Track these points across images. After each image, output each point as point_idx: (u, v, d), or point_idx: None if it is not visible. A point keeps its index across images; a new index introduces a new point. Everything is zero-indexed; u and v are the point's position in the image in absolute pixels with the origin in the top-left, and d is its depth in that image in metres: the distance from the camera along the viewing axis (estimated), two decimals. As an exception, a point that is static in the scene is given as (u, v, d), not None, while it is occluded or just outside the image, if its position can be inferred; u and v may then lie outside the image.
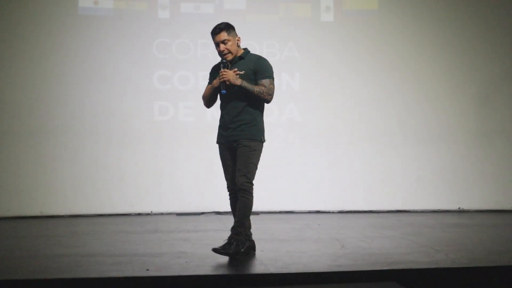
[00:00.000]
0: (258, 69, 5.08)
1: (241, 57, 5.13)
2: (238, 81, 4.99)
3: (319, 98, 8.45)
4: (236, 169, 5.07)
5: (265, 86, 5.04)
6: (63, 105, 8.00)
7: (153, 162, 8.13)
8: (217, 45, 5.10)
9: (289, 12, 8.43)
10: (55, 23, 7.98)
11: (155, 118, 8.20)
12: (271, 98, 5.13)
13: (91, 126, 8.04)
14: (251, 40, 8.33)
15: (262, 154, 8.19)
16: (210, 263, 4.77)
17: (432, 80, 8.56)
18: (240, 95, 5.04)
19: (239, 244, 4.95)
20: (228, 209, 8.10)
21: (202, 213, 8.08)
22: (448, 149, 8.54)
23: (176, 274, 4.41)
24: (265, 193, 8.27)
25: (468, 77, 8.58)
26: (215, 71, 5.18)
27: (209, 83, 5.21)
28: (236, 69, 5.04)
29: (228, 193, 5.23)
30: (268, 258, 4.94)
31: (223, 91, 5.04)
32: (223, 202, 8.09)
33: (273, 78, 5.12)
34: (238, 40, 5.16)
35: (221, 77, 4.99)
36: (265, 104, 5.21)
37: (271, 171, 8.30)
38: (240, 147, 5.05)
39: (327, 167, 8.39)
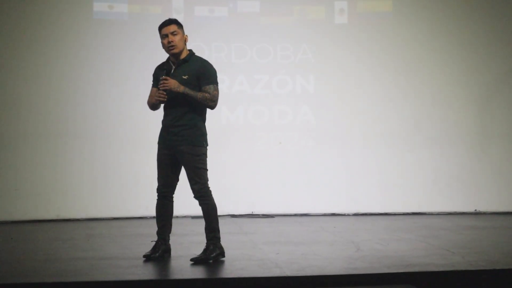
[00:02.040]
0: (202, 75, 4.98)
1: (184, 60, 5.03)
2: (180, 89, 4.89)
3: (333, 100, 8.43)
4: (188, 177, 5.03)
5: (208, 93, 4.95)
6: (79, 109, 8.04)
7: (168, 165, 8.14)
8: (164, 36, 5.00)
9: (303, 14, 8.43)
10: (70, 27, 8.03)
11: (170, 121, 8.21)
12: (215, 105, 5.03)
13: (106, 130, 8.07)
14: (265, 42, 8.33)
15: (278, 157, 8.29)
16: (226, 266, 4.77)
17: (448, 81, 8.52)
18: (182, 100, 4.93)
19: (215, 248, 4.94)
20: (244, 212, 8.15)
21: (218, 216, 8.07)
22: (464, 150, 8.49)
23: (192, 277, 4.42)
24: (280, 195, 8.27)
25: (481, 78, 8.53)
26: (158, 73, 5.09)
27: (153, 85, 5.13)
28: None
29: (157, 194, 5.17)
30: (283, 260, 4.94)
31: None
32: (238, 205, 8.19)
33: (217, 84, 5.03)
34: (186, 38, 5.08)
35: (162, 85, 4.91)
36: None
37: (286, 173, 8.31)
38: (184, 155, 4.98)
39: (342, 170, 8.37)
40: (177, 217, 8.06)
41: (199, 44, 8.20)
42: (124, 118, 8.11)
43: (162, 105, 5.12)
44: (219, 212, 8.16)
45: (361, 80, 8.44)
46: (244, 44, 8.29)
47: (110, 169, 8.05)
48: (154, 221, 7.44)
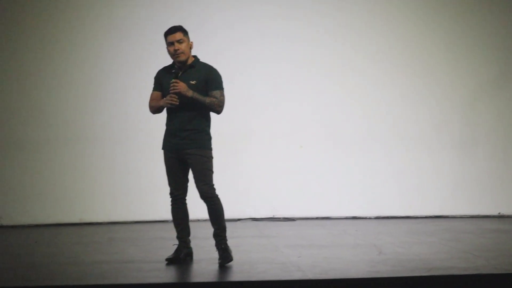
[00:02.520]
0: (209, 80, 5.03)
1: (191, 66, 5.07)
2: (190, 93, 4.93)
3: (354, 103, 8.37)
4: (196, 180, 5.05)
5: (216, 98, 5.00)
6: (101, 113, 8.08)
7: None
8: (170, 44, 5.03)
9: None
10: (91, 31, 8.07)
11: (191, 125, 8.23)
12: (222, 110, 5.09)
13: (127, 134, 8.10)
14: (284, 44, 8.30)
15: (299, 160, 8.28)
16: (247, 269, 4.77)
17: (468, 84, 8.44)
18: (190, 105, 4.97)
19: (227, 246, 5.04)
20: (266, 215, 8.15)
21: (239, 219, 8.10)
22: (488, 153, 8.41)
23: (213, 280, 4.43)
24: (301, 199, 8.25)
25: (505, 80, 8.45)
26: (163, 76, 5.12)
27: (155, 88, 5.16)
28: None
29: (170, 199, 5.21)
30: (305, 264, 4.93)
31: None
32: (259, 209, 8.18)
33: (223, 89, 5.08)
34: (191, 45, 5.11)
35: (172, 88, 4.94)
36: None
37: (306, 177, 8.28)
38: (193, 157, 5.01)
39: (363, 173, 8.32)
40: (198, 220, 8.10)
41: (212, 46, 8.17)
42: (144, 122, 8.11)
43: (164, 109, 5.15)
44: (240, 216, 8.22)
45: (380, 82, 8.37)
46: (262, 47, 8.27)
47: (131, 173, 8.08)
48: (176, 224, 7.40)
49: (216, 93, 5.02)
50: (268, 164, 8.23)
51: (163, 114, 5.26)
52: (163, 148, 5.21)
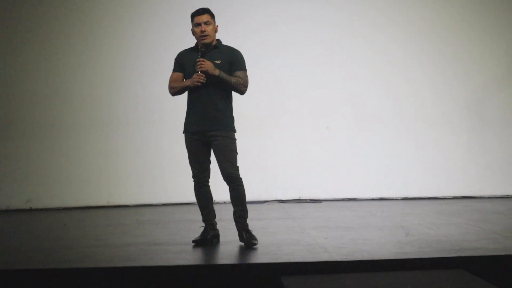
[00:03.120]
0: (234, 61, 5.03)
1: (216, 46, 5.06)
2: (216, 71, 4.93)
3: (378, 85, 8.31)
4: (221, 160, 5.04)
5: (241, 78, 5.01)
6: (127, 96, 8.12)
7: (216, 151, 8.18)
8: (197, 25, 5.01)
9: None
10: (118, 15, 8.10)
11: (217, 107, 8.24)
12: (246, 90, 5.08)
13: (154, 117, 8.14)
14: (308, 27, 8.25)
15: (325, 142, 8.27)
16: (274, 251, 4.78)
17: (495, 65, 8.32)
18: (215, 85, 4.97)
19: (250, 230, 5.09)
20: (291, 197, 8.15)
21: (265, 201, 8.11)
22: (516, 132, 8.31)
23: (240, 262, 4.44)
24: (328, 181, 8.23)
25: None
26: (186, 57, 5.09)
27: (175, 69, 5.13)
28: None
29: (194, 182, 5.20)
30: (332, 245, 4.93)
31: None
32: (286, 191, 8.18)
33: (246, 70, 5.08)
34: (217, 28, 5.10)
35: (198, 67, 4.93)
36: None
37: (333, 158, 8.26)
38: (219, 139, 5.02)
39: (390, 154, 8.27)
40: (224, 202, 8.13)
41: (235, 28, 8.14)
42: (172, 105, 8.11)
43: (185, 92, 5.13)
44: (266, 198, 8.24)
45: (406, 64, 8.29)
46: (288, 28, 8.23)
47: (159, 156, 8.12)
48: (203, 206, 7.40)
49: (240, 73, 5.02)
50: (294, 146, 8.22)
51: (184, 97, 5.24)
52: (185, 131, 5.18)
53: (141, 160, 8.11)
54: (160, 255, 4.75)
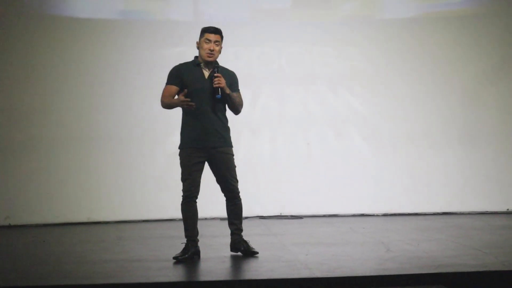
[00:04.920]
0: (232, 82, 5.20)
1: (215, 66, 5.16)
2: (227, 90, 5.09)
3: (359, 101, 8.36)
4: (224, 177, 5.20)
5: (240, 98, 5.22)
6: (108, 112, 8.09)
7: (197, 167, 8.16)
8: (207, 41, 5.10)
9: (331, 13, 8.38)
10: (98, 30, 8.09)
11: (198, 123, 8.24)
12: (241, 110, 5.30)
13: (135, 133, 8.12)
14: (297, 47, 8.29)
15: (306, 158, 8.30)
16: (255, 267, 4.77)
17: (475, 80, 8.41)
18: (218, 102, 5.10)
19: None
20: (273, 213, 8.14)
21: (246, 217, 8.08)
22: (494, 149, 8.37)
23: (221, 279, 4.43)
24: (308, 196, 8.24)
25: (508, 75, 8.43)
26: (185, 72, 5.13)
27: (171, 82, 5.15)
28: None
29: (184, 198, 5.17)
30: (313, 262, 4.93)
31: (219, 96, 5.05)
32: (266, 207, 8.17)
33: None
34: (221, 50, 5.23)
35: (216, 82, 5.02)
36: None
37: (314, 174, 8.28)
38: (222, 155, 5.16)
39: (370, 170, 8.31)
40: (205, 218, 8.11)
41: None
42: (153, 121, 8.14)
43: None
44: (247, 214, 8.22)
45: (388, 79, 8.36)
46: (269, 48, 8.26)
47: (139, 172, 8.09)
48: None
49: (238, 94, 5.21)
50: (275, 161, 8.24)
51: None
52: (185, 146, 5.16)
53: (121, 176, 8.07)
54: (141, 272, 4.72)
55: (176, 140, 8.08)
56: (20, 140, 7.94)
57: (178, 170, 8.07)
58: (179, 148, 5.21)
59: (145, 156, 8.10)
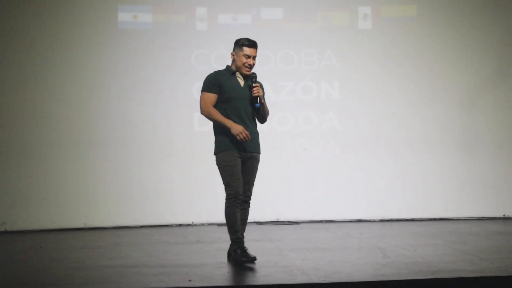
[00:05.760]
0: (262, 92, 5.32)
1: (254, 77, 5.30)
2: (263, 99, 5.26)
3: (358, 106, 8.41)
4: (248, 181, 5.27)
5: (267, 108, 5.37)
6: (105, 118, 8.11)
7: (194, 172, 8.18)
8: (247, 56, 5.22)
9: (327, 20, 8.42)
10: (96, 38, 8.11)
11: (195, 128, 8.26)
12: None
13: (132, 138, 8.13)
14: (289, 49, 8.33)
15: (303, 163, 8.32)
16: (252, 273, 4.77)
17: (472, 86, 8.45)
18: (256, 110, 5.25)
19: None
20: (270, 218, 8.15)
21: (243, 223, 8.08)
22: (491, 154, 8.40)
23: (218, 284, 4.42)
24: (305, 202, 8.25)
25: (504, 81, 8.45)
26: (224, 80, 5.19)
27: (212, 90, 5.17)
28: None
29: (231, 200, 5.15)
30: (310, 267, 4.92)
31: (258, 105, 5.19)
32: (263, 212, 8.17)
33: None
34: None
35: (255, 92, 5.16)
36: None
37: (311, 180, 8.29)
38: (254, 161, 5.27)
39: (367, 175, 8.33)
40: (202, 224, 8.11)
41: (223, 52, 8.24)
42: (149, 126, 8.17)
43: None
44: (245, 219, 8.21)
45: (386, 85, 8.41)
46: (268, 51, 8.29)
47: (136, 177, 8.10)
48: (180, 228, 7.47)
49: (265, 104, 5.34)
50: (272, 167, 8.24)
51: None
52: (226, 149, 5.18)
53: (118, 182, 8.07)
54: (137, 277, 4.71)
55: (170, 145, 8.19)
56: (17, 145, 7.95)
57: (174, 174, 8.16)
58: (219, 151, 5.21)
59: (142, 162, 8.10)
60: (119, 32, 8.16)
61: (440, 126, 8.41)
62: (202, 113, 5.23)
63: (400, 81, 8.41)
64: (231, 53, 5.30)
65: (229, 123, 5.13)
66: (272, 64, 8.35)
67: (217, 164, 5.22)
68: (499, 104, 8.45)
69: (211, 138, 8.54)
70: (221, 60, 8.30)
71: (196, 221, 8.12)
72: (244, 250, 5.08)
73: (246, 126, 5.18)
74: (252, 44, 5.23)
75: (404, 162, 8.36)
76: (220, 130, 5.22)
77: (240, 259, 5.03)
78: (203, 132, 8.27)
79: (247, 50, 5.21)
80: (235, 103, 5.16)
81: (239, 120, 5.17)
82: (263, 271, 4.81)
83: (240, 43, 5.25)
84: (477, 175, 8.38)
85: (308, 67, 8.40)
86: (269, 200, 8.20)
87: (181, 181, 8.18)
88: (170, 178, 8.18)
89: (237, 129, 5.09)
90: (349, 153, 8.34)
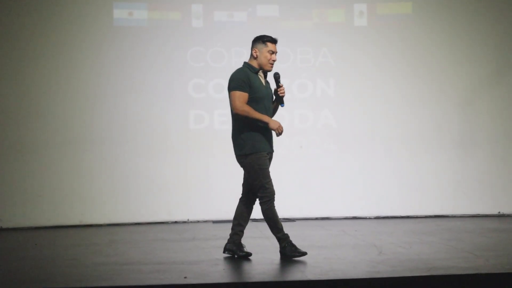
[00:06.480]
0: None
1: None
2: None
3: (354, 103, 8.41)
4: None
5: None
6: (100, 115, 8.10)
7: (190, 170, 8.18)
8: (271, 52, 5.25)
9: (322, 17, 8.42)
10: (91, 34, 8.09)
11: (191, 126, 8.25)
12: None
13: (127, 136, 8.12)
14: (285, 46, 8.32)
15: (299, 161, 8.33)
16: (247, 270, 4.77)
17: (468, 84, 8.46)
18: (275, 109, 5.40)
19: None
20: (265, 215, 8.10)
21: (239, 220, 8.07)
22: (488, 152, 8.42)
23: (214, 281, 4.42)
24: (301, 199, 8.25)
25: (505, 81, 8.46)
26: (254, 81, 5.19)
27: (245, 89, 5.14)
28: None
29: (269, 201, 5.28)
30: (306, 264, 4.93)
31: (283, 105, 5.32)
32: (259, 210, 8.16)
33: None
34: None
35: (282, 92, 5.24)
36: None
37: (307, 177, 8.29)
38: (271, 159, 5.41)
39: (363, 173, 8.34)
40: (198, 221, 8.11)
41: (219, 49, 8.23)
42: (145, 124, 8.16)
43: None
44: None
45: (381, 83, 8.41)
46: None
47: (131, 174, 8.09)
48: (175, 226, 7.48)
49: None
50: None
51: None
52: (259, 150, 5.20)
53: (113, 179, 8.07)
54: (132, 274, 4.71)
55: (166, 142, 8.18)
56: (12, 143, 7.93)
57: (170, 172, 8.15)
58: (251, 152, 5.19)
59: (138, 159, 8.10)
60: (115, 29, 8.15)
61: (436, 124, 8.42)
62: (236, 111, 5.16)
63: (395, 78, 8.42)
64: (253, 50, 5.26)
65: (266, 118, 5.16)
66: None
67: (248, 165, 5.20)
68: (495, 102, 8.46)
69: (207, 135, 8.55)
70: (217, 57, 8.31)
71: (191, 218, 8.12)
72: (293, 245, 5.17)
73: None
74: (276, 41, 5.27)
75: (400, 160, 8.37)
76: (250, 130, 5.18)
77: (293, 254, 5.12)
78: (199, 130, 8.27)
79: (271, 46, 5.23)
80: (262, 102, 5.18)
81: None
82: (258, 269, 4.82)
83: (265, 39, 5.25)
84: (473, 173, 8.40)
85: (304, 64, 8.40)
86: (265, 197, 8.18)
87: (176, 179, 8.18)
88: (166, 175, 8.17)
89: (276, 123, 5.15)
90: (345, 151, 8.34)
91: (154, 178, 8.13)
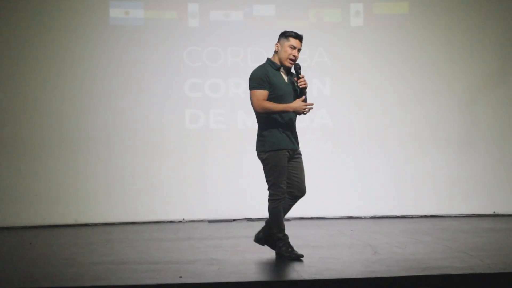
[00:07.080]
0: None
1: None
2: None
3: (350, 103, 8.41)
4: (301, 179, 5.23)
5: None
6: (96, 114, 8.09)
7: (185, 169, 8.18)
8: (292, 47, 5.13)
9: (319, 17, 8.42)
10: (87, 33, 8.08)
11: (187, 125, 8.25)
12: None
13: (123, 135, 8.11)
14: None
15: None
16: (243, 270, 4.77)
17: (464, 83, 8.47)
18: None
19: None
20: (261, 215, 8.16)
21: (234, 220, 8.10)
22: (483, 152, 8.43)
23: (209, 281, 4.42)
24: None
25: (499, 79, 8.48)
26: (274, 78, 5.11)
27: (264, 87, 5.08)
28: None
29: (278, 200, 5.18)
30: (301, 264, 4.93)
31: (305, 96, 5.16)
32: (255, 209, 8.17)
33: None
34: None
35: (304, 83, 5.08)
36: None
37: (302, 177, 8.28)
38: (299, 157, 5.22)
39: (359, 172, 8.34)
40: (193, 221, 8.11)
41: (215, 48, 8.23)
42: (141, 123, 8.15)
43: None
44: (235, 216, 8.24)
45: (377, 83, 8.41)
46: (260, 48, 8.28)
47: (127, 174, 8.09)
48: (171, 225, 7.47)
49: None
50: (264, 164, 8.23)
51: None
52: (278, 148, 5.11)
53: (109, 178, 8.06)
54: (128, 274, 4.71)
55: (162, 141, 8.17)
56: (7, 141, 7.92)
57: (165, 171, 8.14)
58: (270, 150, 5.12)
59: (133, 159, 8.09)
60: (111, 28, 8.14)
61: (431, 124, 8.43)
62: (257, 110, 5.12)
63: (392, 78, 8.43)
64: (276, 44, 5.20)
65: (287, 106, 5.06)
66: (264, 61, 8.31)
67: (266, 162, 5.13)
68: (491, 102, 8.47)
69: (203, 134, 8.54)
70: (213, 56, 8.30)
71: (187, 217, 8.12)
72: (290, 247, 5.15)
73: (292, 123, 5.16)
74: (299, 36, 5.15)
75: (396, 159, 8.38)
76: (270, 127, 5.12)
77: (289, 255, 5.09)
78: (195, 129, 8.27)
79: (293, 41, 5.12)
80: (283, 99, 5.09)
81: (287, 117, 5.13)
82: (253, 268, 4.82)
83: (287, 34, 5.17)
84: (468, 173, 8.41)
85: (300, 64, 8.37)
86: (260, 197, 8.15)
87: (172, 178, 8.17)
88: (162, 174, 8.17)
89: (296, 104, 5.04)
90: (340, 150, 8.35)
91: (150, 177, 8.12)
